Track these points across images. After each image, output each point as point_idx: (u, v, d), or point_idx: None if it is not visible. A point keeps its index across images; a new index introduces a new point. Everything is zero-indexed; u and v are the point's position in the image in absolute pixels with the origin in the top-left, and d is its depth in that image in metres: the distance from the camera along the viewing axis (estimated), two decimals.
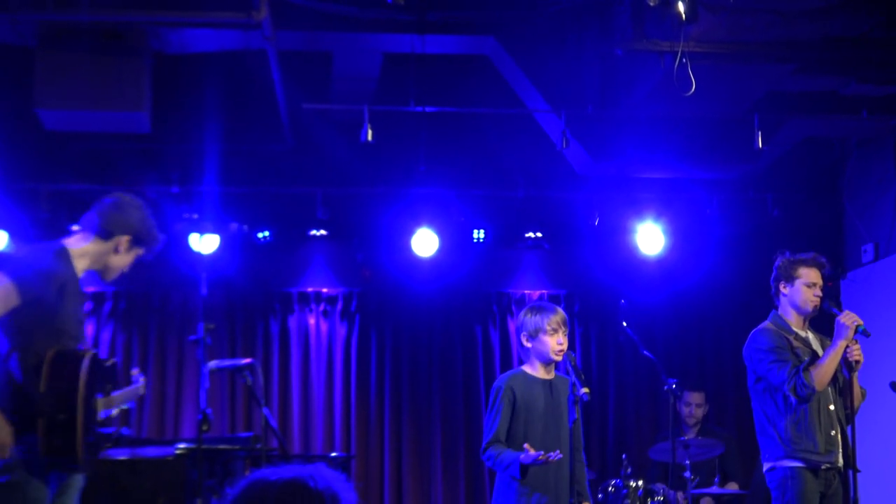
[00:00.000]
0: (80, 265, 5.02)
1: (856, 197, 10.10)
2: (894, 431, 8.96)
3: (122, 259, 5.09)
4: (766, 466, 6.23)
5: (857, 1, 7.31)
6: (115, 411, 5.16)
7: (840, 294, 10.00)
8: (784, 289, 6.31)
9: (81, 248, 5.01)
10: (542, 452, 5.61)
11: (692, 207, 10.02)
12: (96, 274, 5.09)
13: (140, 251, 5.13)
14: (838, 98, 8.79)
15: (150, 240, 5.14)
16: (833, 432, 6.12)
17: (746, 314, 9.29)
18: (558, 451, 5.64)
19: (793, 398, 6.07)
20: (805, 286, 6.25)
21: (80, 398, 4.63)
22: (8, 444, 4.58)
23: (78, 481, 4.97)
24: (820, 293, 6.25)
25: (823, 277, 6.31)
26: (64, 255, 4.95)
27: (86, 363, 4.68)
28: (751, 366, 6.28)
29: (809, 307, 6.26)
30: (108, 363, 5.04)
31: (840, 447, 6.14)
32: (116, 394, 5.20)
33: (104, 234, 5.03)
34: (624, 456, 8.24)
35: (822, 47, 7.56)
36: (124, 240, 5.04)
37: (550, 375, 5.98)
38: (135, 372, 5.55)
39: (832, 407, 6.16)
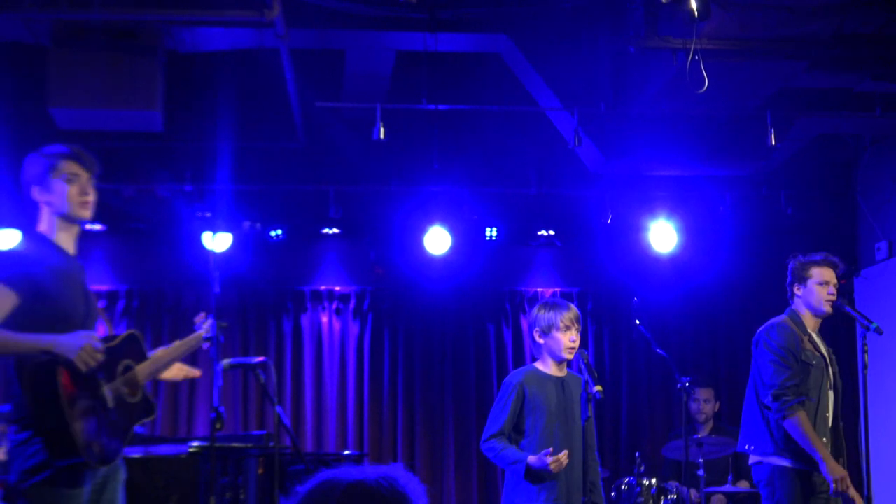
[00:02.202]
0: (62, 240, 4.82)
1: (869, 194, 10.08)
2: None
3: (54, 196, 4.77)
4: (752, 459, 6.18)
5: None
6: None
7: (853, 292, 9.99)
8: (798, 290, 6.29)
9: (47, 229, 4.81)
10: (553, 458, 5.59)
11: (705, 205, 10.00)
12: (80, 224, 4.85)
13: (57, 173, 4.76)
14: (852, 95, 8.76)
15: (48, 163, 4.78)
16: (824, 439, 6.07)
17: (760, 312, 9.24)
18: (565, 452, 5.63)
19: (770, 402, 6.08)
20: (818, 285, 6.22)
21: (64, 398, 4.49)
22: None
23: (119, 474, 4.85)
24: (834, 291, 6.22)
25: (837, 276, 6.29)
26: (44, 241, 4.78)
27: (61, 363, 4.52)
28: (760, 354, 6.27)
29: (824, 306, 6.22)
30: (115, 342, 4.85)
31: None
32: (159, 351, 5.09)
33: (34, 207, 4.81)
34: (637, 454, 8.24)
35: (835, 44, 7.53)
36: (34, 189, 4.78)
37: (563, 373, 5.96)
38: (199, 318, 5.41)
39: (828, 414, 6.12)
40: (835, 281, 6.25)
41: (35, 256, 4.71)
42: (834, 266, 6.28)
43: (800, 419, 5.97)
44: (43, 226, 4.82)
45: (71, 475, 4.60)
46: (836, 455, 6.12)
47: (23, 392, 4.55)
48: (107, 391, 4.72)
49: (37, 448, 4.56)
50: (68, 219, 4.80)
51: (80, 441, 4.52)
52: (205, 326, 5.33)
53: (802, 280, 6.26)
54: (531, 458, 5.65)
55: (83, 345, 4.51)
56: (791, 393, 6.02)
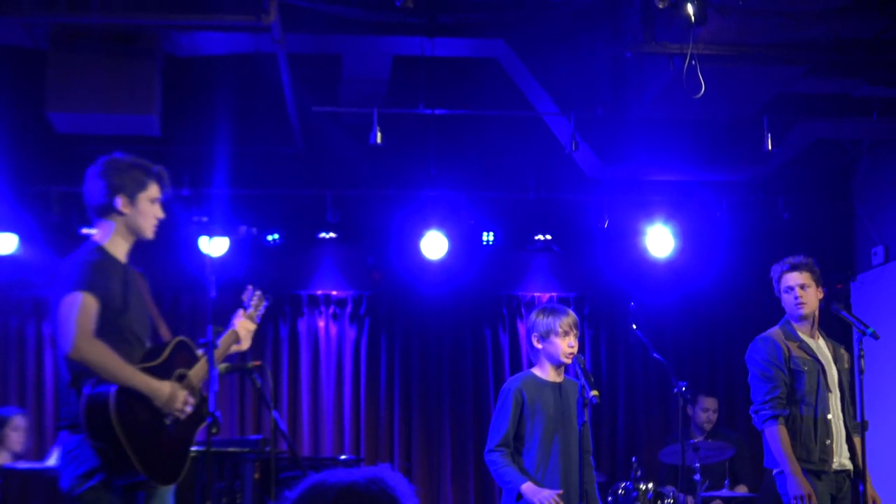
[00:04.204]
0: (121, 252, 4.90)
1: (866, 199, 10.09)
2: None
3: (139, 214, 4.90)
4: (775, 470, 6.20)
5: (868, 2, 7.29)
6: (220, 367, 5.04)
7: (850, 296, 9.99)
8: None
9: (110, 239, 4.89)
10: (546, 497, 5.61)
11: (702, 210, 10.01)
12: (140, 241, 4.95)
13: (150, 193, 4.93)
14: (849, 100, 8.77)
15: (143, 179, 4.93)
16: (828, 441, 6.06)
17: (756, 316, 9.29)
18: (558, 495, 5.64)
19: (753, 416, 6.17)
20: (783, 293, 6.23)
21: (117, 424, 4.54)
22: None
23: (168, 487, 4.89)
24: (800, 294, 6.14)
25: (814, 276, 6.20)
26: (106, 254, 4.84)
27: (113, 390, 4.57)
28: (748, 371, 6.30)
29: (793, 311, 6.20)
30: (165, 354, 4.84)
31: (835, 455, 6.07)
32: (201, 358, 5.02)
33: (105, 210, 4.89)
34: (634, 459, 8.23)
35: (833, 49, 7.54)
36: (122, 200, 4.86)
37: (560, 378, 5.96)
38: (246, 294, 5.38)
39: (830, 416, 6.10)
40: (802, 282, 6.14)
41: (104, 269, 4.77)
42: (797, 268, 6.17)
43: (774, 432, 6.02)
44: (104, 237, 4.90)
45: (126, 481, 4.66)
46: (853, 455, 6.12)
47: (79, 409, 4.59)
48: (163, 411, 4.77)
49: (89, 453, 4.60)
50: (143, 233, 4.94)
51: (143, 467, 4.58)
52: (254, 302, 5.36)
53: (779, 291, 6.27)
54: (525, 487, 5.66)
55: (178, 406, 4.72)
56: (769, 406, 6.07)
